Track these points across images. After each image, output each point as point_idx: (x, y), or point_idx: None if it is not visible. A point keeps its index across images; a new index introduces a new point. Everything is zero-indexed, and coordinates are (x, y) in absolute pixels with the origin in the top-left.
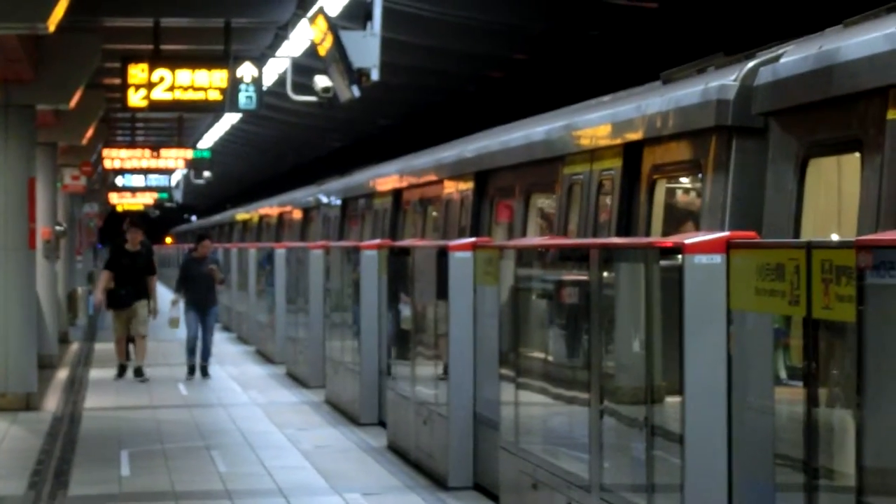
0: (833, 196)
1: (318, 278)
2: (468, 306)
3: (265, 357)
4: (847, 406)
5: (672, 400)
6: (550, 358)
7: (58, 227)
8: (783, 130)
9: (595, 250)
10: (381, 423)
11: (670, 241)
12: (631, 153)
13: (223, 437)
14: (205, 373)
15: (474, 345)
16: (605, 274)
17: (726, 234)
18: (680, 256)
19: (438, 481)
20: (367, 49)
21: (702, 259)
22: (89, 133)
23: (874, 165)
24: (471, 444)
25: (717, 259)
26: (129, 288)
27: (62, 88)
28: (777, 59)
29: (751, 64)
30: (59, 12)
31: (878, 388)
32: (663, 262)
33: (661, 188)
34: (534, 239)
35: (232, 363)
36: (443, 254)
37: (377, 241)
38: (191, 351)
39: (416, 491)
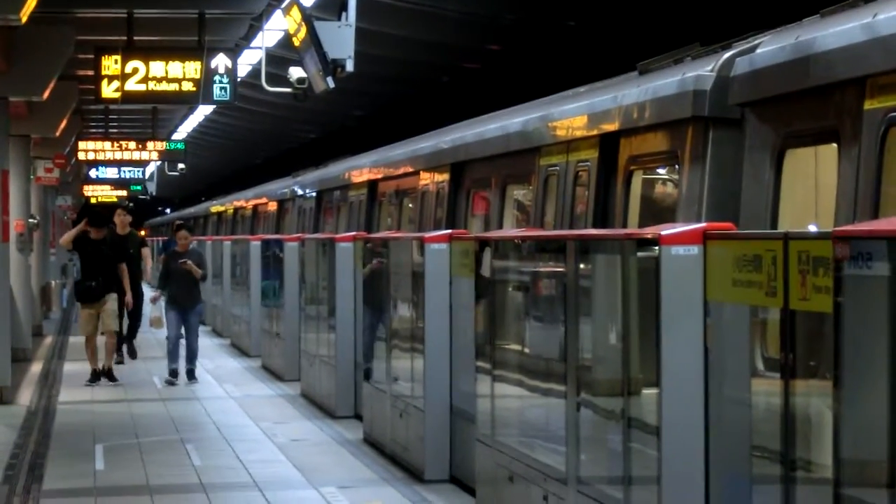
0: (810, 187)
1: (294, 270)
2: (444, 298)
3: (241, 350)
4: (824, 398)
5: (649, 392)
6: (527, 350)
7: (31, 220)
8: (760, 121)
9: (572, 242)
10: (357, 416)
11: (647, 232)
12: (607, 144)
13: (198, 431)
14: (191, 376)
15: (450, 337)
16: (582, 265)
17: (703, 225)
18: (657, 248)
19: (414, 474)
20: (341, 40)
21: (679, 250)
22: (63, 125)
23: (851, 156)
24: (447, 436)
25: (694, 250)
26: (99, 279)
27: (35, 80)
28: (754, 49)
29: (727, 54)
30: (31, 3)
31: (855, 379)
32: (640, 254)
33: (637, 179)
34: (510, 230)
35: (207, 356)
36: (418, 246)
37: (352, 233)
38: (171, 354)
39: (392, 484)
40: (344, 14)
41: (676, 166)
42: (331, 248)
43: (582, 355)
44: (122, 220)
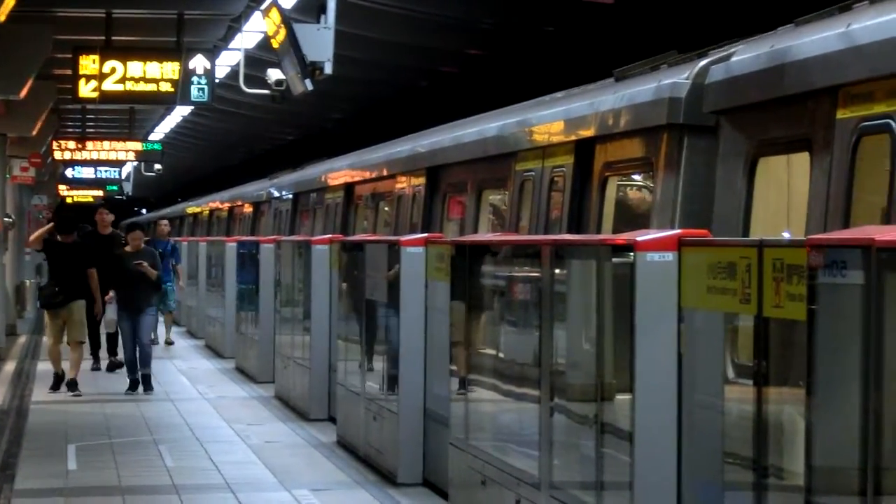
0: (782, 195)
1: (269, 272)
2: (419, 302)
3: (215, 352)
4: (797, 405)
5: (622, 398)
6: (501, 355)
7: (6, 219)
8: (733, 129)
9: (547, 247)
10: (331, 419)
11: (622, 238)
12: (583, 150)
13: (171, 432)
14: (146, 384)
15: (425, 340)
16: (557, 271)
17: (678, 231)
18: (632, 254)
19: (388, 477)
20: (320, 42)
21: (654, 257)
22: (39, 124)
23: (823, 165)
24: (420, 440)
25: (669, 257)
26: (65, 285)
27: (12, 79)
28: (729, 57)
29: (703, 62)
30: (9, 2)
31: (828, 387)
32: (615, 260)
33: (612, 186)
34: (486, 235)
35: (181, 357)
36: (394, 249)
37: (328, 235)
38: (130, 364)
39: (366, 487)
40: (323, 17)
41: (651, 173)
42: (306, 251)
43: (556, 360)
44: (103, 219)
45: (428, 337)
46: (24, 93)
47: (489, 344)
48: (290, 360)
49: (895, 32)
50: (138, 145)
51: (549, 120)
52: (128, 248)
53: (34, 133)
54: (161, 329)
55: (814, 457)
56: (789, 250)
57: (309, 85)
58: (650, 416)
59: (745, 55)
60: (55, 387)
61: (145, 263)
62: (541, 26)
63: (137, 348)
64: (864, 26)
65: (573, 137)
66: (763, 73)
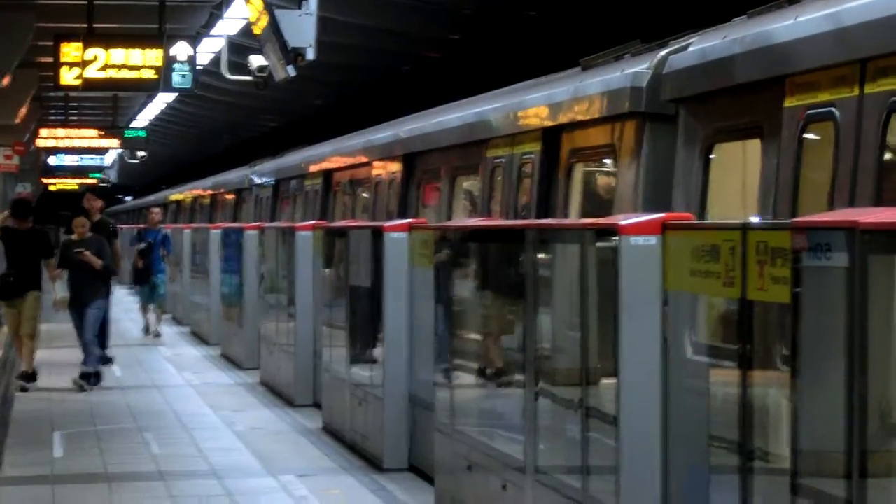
0: (736, 180)
1: (253, 259)
2: (403, 287)
3: (200, 338)
4: (782, 388)
5: (607, 381)
6: (485, 339)
7: None
8: (690, 116)
9: (531, 231)
10: (317, 405)
11: (606, 222)
12: (550, 138)
13: (157, 419)
14: (87, 380)
15: (410, 326)
16: (541, 255)
17: (662, 215)
18: (616, 238)
19: (373, 463)
20: (302, 28)
21: (637, 240)
22: (22, 112)
23: (772, 151)
24: (406, 425)
25: (653, 240)
26: (18, 273)
27: None
28: (686, 47)
29: (663, 52)
30: None
31: (812, 369)
32: (599, 244)
33: (578, 172)
34: (470, 220)
35: (167, 345)
36: (377, 235)
37: (312, 221)
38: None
39: (352, 472)
40: (305, 3)
41: (614, 160)
42: (290, 237)
43: (540, 345)
44: (92, 205)
45: (412, 322)
46: (6, 81)
47: (473, 329)
48: (275, 347)
49: (839, 24)
50: (115, 142)
51: (518, 108)
52: (73, 237)
53: (17, 121)
54: (152, 318)
55: (799, 440)
56: (773, 233)
57: (291, 71)
58: (635, 400)
59: (701, 45)
60: (25, 382)
61: (87, 252)
62: (522, 11)
63: (81, 343)
64: (809, 18)
65: (541, 125)
66: (717, 62)
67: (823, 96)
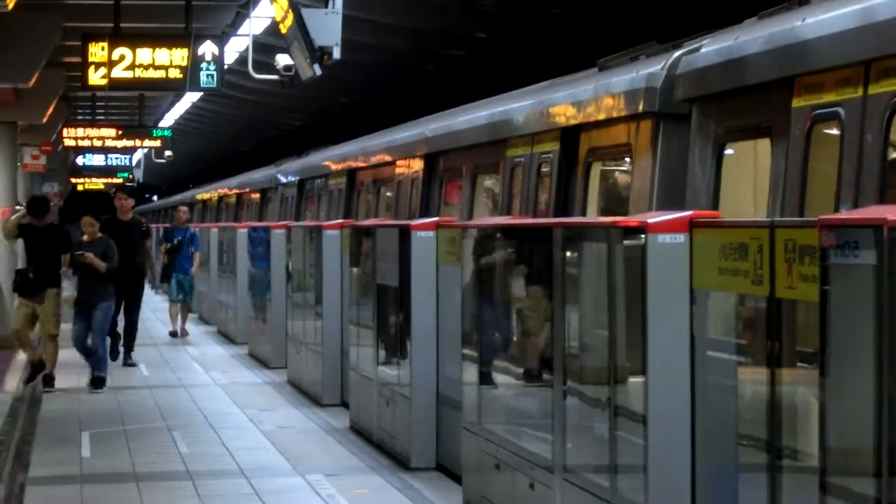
0: (747, 178)
1: (280, 258)
2: (430, 286)
3: (227, 337)
4: (810, 386)
5: (635, 380)
6: (513, 338)
7: (18, 207)
8: (702, 116)
9: (558, 230)
10: (344, 404)
11: (634, 220)
12: (568, 137)
13: (185, 418)
14: (97, 384)
15: (437, 325)
16: (569, 254)
17: (689, 213)
18: (643, 236)
19: (401, 462)
20: (328, 27)
21: (665, 238)
22: (49, 112)
23: (781, 150)
24: (433, 424)
25: (681, 238)
26: (38, 271)
27: (22, 66)
28: (698, 49)
29: (677, 53)
30: None
31: (840, 367)
32: (627, 242)
33: (595, 170)
34: (497, 218)
35: (194, 344)
36: (405, 233)
37: (339, 220)
38: (86, 357)
39: (379, 472)
40: (331, 1)
41: (630, 158)
42: (318, 236)
43: (568, 343)
44: (122, 205)
45: (440, 321)
46: (33, 81)
47: (501, 328)
48: (302, 346)
49: (844, 26)
50: (149, 133)
51: (536, 108)
52: (84, 237)
53: (44, 121)
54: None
55: (828, 438)
56: (801, 231)
57: (317, 70)
58: (663, 399)
59: (713, 47)
60: (31, 378)
61: (89, 254)
62: (546, 9)
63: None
64: (817, 20)
65: (559, 125)
66: (728, 63)
67: (829, 97)
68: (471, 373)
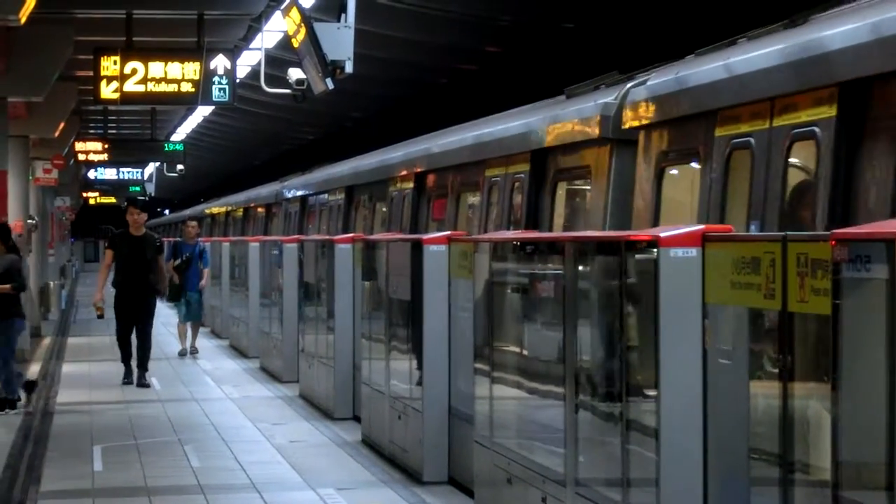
0: (681, 199)
1: (291, 272)
2: (442, 300)
3: (239, 351)
4: (823, 400)
5: (648, 394)
6: (525, 352)
7: (30, 221)
8: (647, 142)
9: (570, 244)
10: (356, 418)
11: (646, 234)
12: (538, 159)
13: (196, 432)
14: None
15: (449, 339)
16: (580, 268)
17: (702, 227)
18: (655, 250)
19: (413, 476)
20: (341, 41)
21: (677, 252)
22: (61, 126)
23: (706, 174)
24: (445, 438)
25: (693, 252)
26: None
27: (34, 80)
28: (645, 82)
29: (628, 85)
30: (30, 4)
31: (853, 381)
32: (639, 256)
33: (561, 190)
34: (508, 232)
35: (206, 358)
36: (417, 247)
37: (351, 234)
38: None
39: (391, 485)
40: (343, 15)
41: (589, 179)
42: (329, 250)
43: (580, 357)
44: (135, 220)
45: (451, 335)
46: (45, 95)
47: (512, 342)
48: (314, 360)
49: (755, 66)
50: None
51: (511, 132)
52: None
53: (56, 135)
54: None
55: (840, 452)
56: (813, 245)
57: (330, 84)
58: (676, 413)
59: (656, 80)
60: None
61: None
62: (559, 23)
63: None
64: (737, 59)
65: (530, 147)
66: (666, 96)
67: (744, 128)
68: (483, 386)
